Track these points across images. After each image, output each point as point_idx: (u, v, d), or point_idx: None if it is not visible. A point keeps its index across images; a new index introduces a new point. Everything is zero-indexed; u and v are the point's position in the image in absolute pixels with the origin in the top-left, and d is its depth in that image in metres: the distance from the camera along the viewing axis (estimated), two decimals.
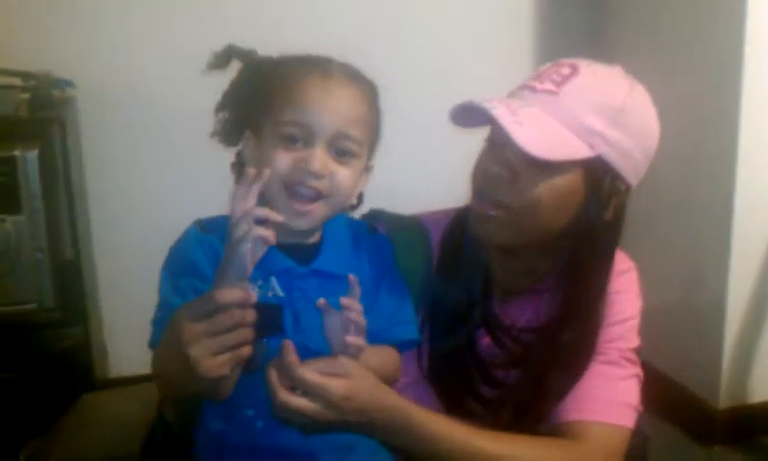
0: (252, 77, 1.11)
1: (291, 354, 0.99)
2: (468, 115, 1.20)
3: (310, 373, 0.99)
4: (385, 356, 1.15)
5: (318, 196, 1.05)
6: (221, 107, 1.13)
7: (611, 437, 1.21)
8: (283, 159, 1.03)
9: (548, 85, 1.18)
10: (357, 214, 1.33)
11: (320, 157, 1.03)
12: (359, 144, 1.07)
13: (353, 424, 1.04)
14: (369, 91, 1.10)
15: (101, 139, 2.55)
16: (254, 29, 2.18)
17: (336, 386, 1.00)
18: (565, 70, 1.20)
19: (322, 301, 1.03)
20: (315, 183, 1.04)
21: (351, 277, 1.03)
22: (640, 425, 1.28)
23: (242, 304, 0.95)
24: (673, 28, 2.57)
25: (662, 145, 1.24)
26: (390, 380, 1.17)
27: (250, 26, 2.47)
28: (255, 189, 0.95)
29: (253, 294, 0.96)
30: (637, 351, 1.31)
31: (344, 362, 1.03)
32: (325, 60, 1.09)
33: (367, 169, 1.15)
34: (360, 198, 1.18)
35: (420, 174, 2.71)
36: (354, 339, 1.02)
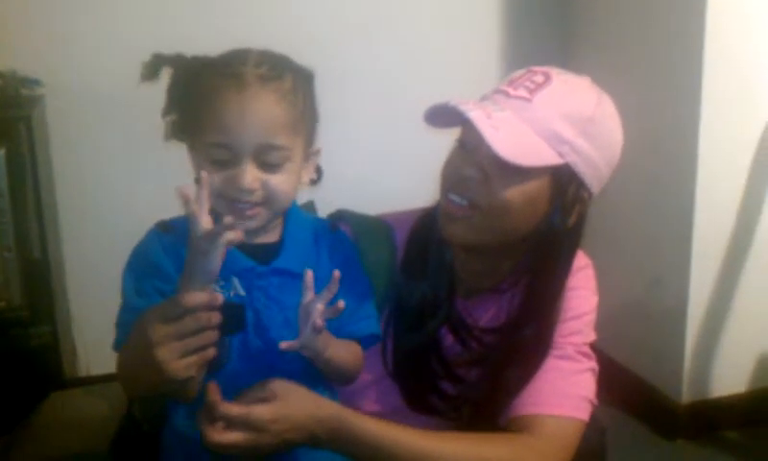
0: (182, 81, 1.10)
1: (212, 394, 1.02)
2: (442, 116, 1.22)
3: (230, 406, 1.02)
4: (349, 349, 1.16)
5: (255, 206, 1.06)
6: (166, 111, 1.12)
7: (565, 429, 1.23)
8: (215, 179, 1.03)
9: (522, 92, 1.20)
10: (323, 214, 1.36)
11: (248, 174, 1.03)
12: (287, 149, 1.06)
13: (296, 441, 1.07)
14: (291, 86, 1.08)
15: (69, 138, 2.53)
16: (225, 25, 2.21)
17: (259, 412, 1.03)
18: (539, 78, 1.22)
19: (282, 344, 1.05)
20: (248, 198, 1.04)
21: (309, 273, 1.04)
22: (598, 418, 1.30)
23: (208, 307, 0.96)
24: (635, 37, 2.61)
25: (626, 148, 1.27)
26: (353, 374, 1.20)
27: (220, 22, 2.50)
28: (205, 196, 0.96)
29: (220, 296, 0.97)
30: (593, 345, 1.34)
31: (271, 386, 1.06)
32: (242, 63, 1.06)
33: (312, 154, 1.15)
34: (319, 173, 1.18)
35: (390, 171, 2.73)
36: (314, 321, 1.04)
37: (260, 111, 1.04)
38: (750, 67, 2.34)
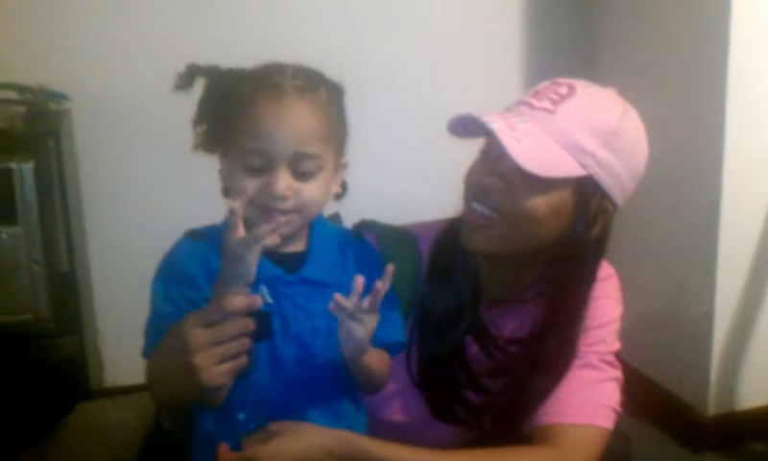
0: (217, 92, 1.12)
1: (221, 455, 1.06)
2: (465, 126, 1.23)
3: (228, 453, 1.06)
4: (378, 357, 1.17)
5: (287, 214, 1.08)
6: (197, 121, 1.14)
7: (587, 438, 1.23)
8: (248, 187, 1.06)
9: (546, 104, 1.21)
10: (348, 224, 1.37)
11: (282, 181, 1.05)
12: (320, 158, 1.09)
13: None
14: (325, 99, 1.11)
15: (96, 151, 2.56)
16: (249, 38, 2.23)
17: (254, 451, 1.05)
18: (563, 90, 1.23)
19: (331, 304, 1.06)
20: (281, 205, 1.06)
21: (360, 278, 1.05)
22: (622, 428, 1.30)
23: (248, 310, 0.98)
24: (659, 44, 2.60)
25: (651, 156, 1.28)
26: (382, 382, 1.21)
27: (243, 35, 2.52)
28: (241, 204, 0.98)
29: (260, 299, 0.99)
30: (618, 354, 1.34)
31: (270, 426, 1.08)
32: (279, 74, 1.09)
33: (340, 167, 1.17)
34: (344, 187, 1.20)
35: (414, 182, 2.74)
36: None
37: (297, 120, 1.06)
38: None
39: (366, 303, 1.05)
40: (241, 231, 0.96)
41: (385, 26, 2.81)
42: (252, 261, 0.97)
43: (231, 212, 0.96)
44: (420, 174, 2.77)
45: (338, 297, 1.05)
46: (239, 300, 0.97)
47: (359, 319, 1.07)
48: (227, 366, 0.98)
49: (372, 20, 2.79)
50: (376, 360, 1.16)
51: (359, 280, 1.05)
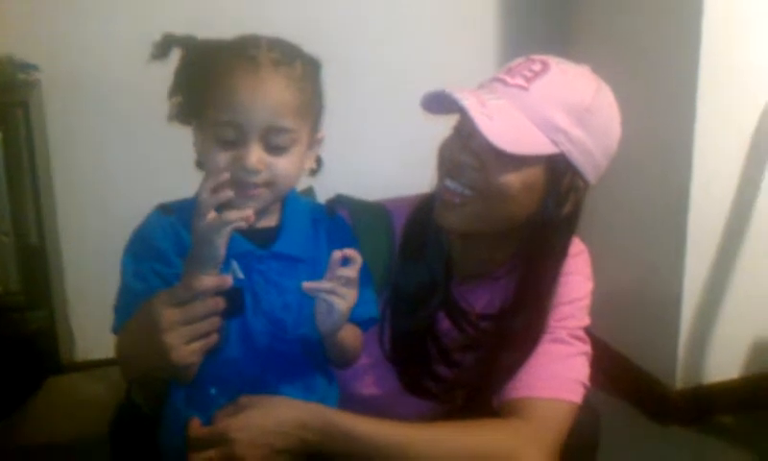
0: (192, 63, 1.11)
1: (192, 429, 1.07)
2: (439, 103, 1.23)
3: (198, 429, 1.07)
4: (352, 332, 1.18)
5: (258, 187, 1.07)
6: (172, 92, 1.13)
7: (556, 411, 1.24)
8: (221, 159, 1.04)
9: (519, 80, 1.21)
10: (322, 199, 1.36)
11: (254, 154, 1.04)
12: (294, 132, 1.07)
13: (286, 448, 1.08)
14: (301, 73, 1.09)
15: (66, 123, 2.53)
16: (230, 16, 2.20)
17: (223, 424, 1.06)
18: (536, 66, 1.22)
19: (307, 284, 1.06)
20: (253, 179, 1.05)
21: (337, 253, 1.06)
22: (591, 403, 1.31)
23: (217, 291, 0.98)
24: (632, 27, 2.61)
25: (622, 137, 1.28)
26: (354, 357, 1.21)
27: (225, 13, 2.49)
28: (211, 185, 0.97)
29: (229, 278, 0.99)
30: (587, 329, 1.35)
31: (239, 400, 1.09)
32: (255, 46, 1.07)
33: (315, 142, 1.16)
34: (319, 162, 1.19)
35: (391, 159, 2.74)
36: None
37: (271, 93, 1.05)
38: (746, 57, 2.34)
39: (346, 272, 1.06)
40: (211, 214, 0.96)
41: (365, 5, 2.79)
42: (222, 244, 0.97)
43: (200, 197, 0.96)
44: (395, 150, 2.77)
45: (308, 284, 1.06)
46: (209, 280, 0.97)
47: (340, 293, 1.07)
48: (197, 345, 0.99)
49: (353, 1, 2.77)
50: (350, 335, 1.16)
51: (336, 255, 1.05)
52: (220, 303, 0.99)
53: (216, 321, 1.00)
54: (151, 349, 0.97)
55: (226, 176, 1.00)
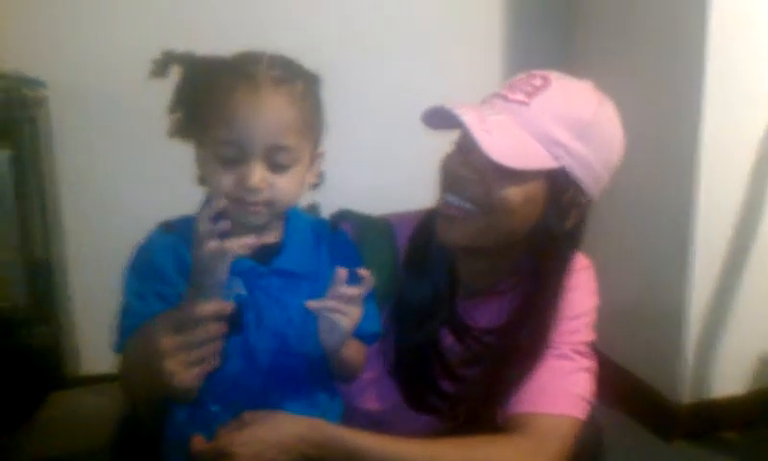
0: (192, 80, 1.11)
1: (194, 445, 1.06)
2: (440, 118, 1.23)
3: (201, 444, 1.06)
4: (355, 347, 1.18)
5: (259, 205, 1.07)
6: (172, 108, 1.13)
7: (559, 427, 1.24)
8: (223, 179, 1.05)
9: (519, 96, 1.22)
10: (326, 214, 1.37)
11: (256, 174, 1.04)
12: (295, 151, 1.08)
13: (290, 459, 1.08)
14: (302, 90, 1.09)
15: (73, 139, 2.54)
16: (229, 29, 2.22)
17: (225, 439, 1.05)
18: (537, 82, 1.23)
19: (310, 303, 1.06)
20: (255, 198, 1.05)
21: (342, 271, 1.06)
22: (595, 418, 1.31)
23: (218, 317, 0.98)
24: (637, 38, 2.62)
25: (626, 149, 1.28)
26: (357, 371, 1.22)
27: (224, 26, 2.50)
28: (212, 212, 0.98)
29: (230, 305, 1.00)
30: (591, 345, 1.35)
31: (243, 416, 1.09)
32: (255, 64, 1.08)
33: (316, 157, 1.16)
34: (321, 177, 1.19)
35: (394, 173, 2.74)
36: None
37: (272, 112, 1.05)
38: (752, 67, 2.35)
39: (351, 290, 1.06)
40: (211, 243, 0.96)
41: (365, 15, 2.79)
42: (222, 273, 0.97)
43: (199, 227, 0.96)
44: (399, 164, 2.77)
45: (312, 303, 1.06)
46: (210, 306, 0.98)
47: (344, 311, 1.07)
48: (198, 369, 0.99)
49: (352, 9, 2.78)
50: (353, 351, 1.17)
51: (341, 273, 1.06)
52: (221, 327, 0.99)
53: (218, 345, 1.00)
54: (151, 373, 0.98)
55: (224, 203, 1.00)
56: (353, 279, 1.08)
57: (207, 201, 1.04)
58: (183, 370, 0.98)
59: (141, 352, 1.01)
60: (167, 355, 0.97)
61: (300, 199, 1.16)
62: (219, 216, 0.98)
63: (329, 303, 1.06)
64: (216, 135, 1.05)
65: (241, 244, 0.97)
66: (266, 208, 1.08)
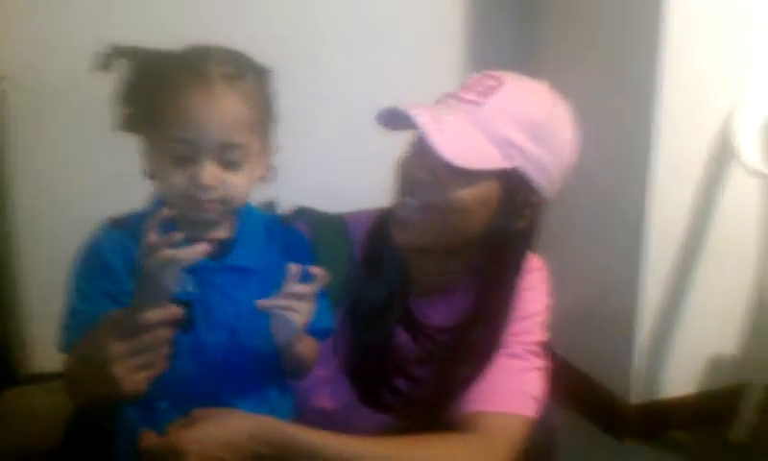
0: (142, 75, 1.09)
1: (144, 440, 1.04)
2: (394, 119, 1.23)
3: (150, 440, 1.04)
4: (306, 344, 1.18)
5: (212, 203, 1.07)
6: (117, 103, 1.11)
7: (509, 426, 1.25)
8: (175, 177, 1.04)
9: (473, 96, 1.22)
10: (285, 209, 1.37)
11: (208, 172, 1.03)
12: (247, 147, 1.07)
13: (241, 459, 1.06)
14: (253, 86, 1.09)
15: (30, 133, 2.50)
16: (190, 24, 2.20)
17: (175, 437, 1.04)
18: (491, 82, 1.24)
19: (262, 302, 1.06)
20: (208, 196, 1.05)
21: (293, 267, 1.06)
22: (547, 417, 1.32)
23: (165, 323, 0.97)
24: (592, 40, 2.65)
25: (581, 148, 1.30)
26: (310, 368, 1.22)
27: (184, 21, 2.48)
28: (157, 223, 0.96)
29: (178, 310, 0.98)
30: (544, 345, 1.36)
31: (193, 412, 1.07)
32: (206, 60, 1.06)
33: (269, 151, 1.15)
34: (272, 171, 1.18)
35: (356, 171, 2.74)
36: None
37: (224, 110, 1.04)
38: (704, 73, 2.39)
39: (303, 288, 1.06)
40: (161, 252, 0.94)
41: (329, 14, 2.79)
42: (171, 281, 0.96)
43: (147, 239, 0.94)
44: (361, 161, 2.78)
45: (262, 302, 1.05)
46: (157, 313, 0.96)
47: (296, 308, 1.07)
48: (146, 373, 0.98)
49: (316, 9, 2.77)
50: (305, 347, 1.17)
51: (293, 269, 1.06)
52: (169, 332, 0.98)
53: (165, 349, 0.99)
54: (99, 376, 0.97)
55: (172, 213, 0.99)
56: (306, 277, 1.07)
57: (155, 208, 1.03)
58: (130, 375, 0.96)
59: (88, 355, 0.99)
60: (114, 361, 0.95)
61: (248, 197, 1.15)
62: (169, 224, 0.97)
63: (281, 301, 1.06)
64: (168, 133, 1.04)
65: (191, 253, 0.95)
66: (219, 206, 1.07)
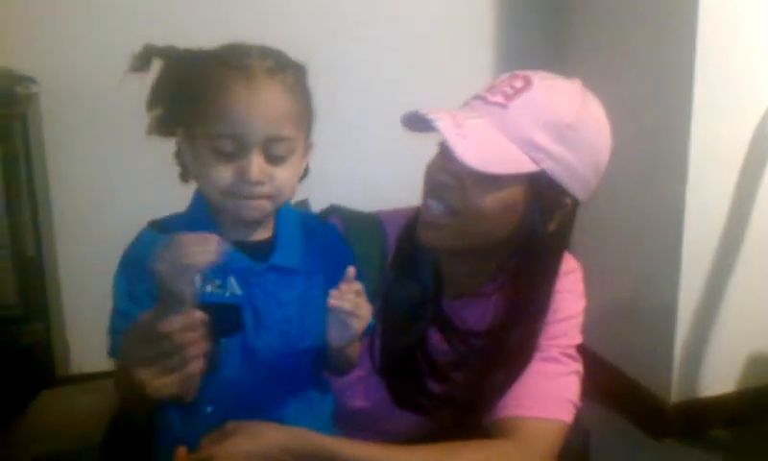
0: (175, 74, 1.09)
1: (178, 457, 1.02)
2: (419, 122, 1.22)
3: (185, 456, 1.03)
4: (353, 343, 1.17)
5: (260, 199, 1.06)
6: (151, 104, 1.11)
7: (546, 431, 1.23)
8: (221, 174, 1.03)
9: (499, 98, 1.20)
10: (316, 209, 1.37)
11: (256, 166, 1.02)
12: (292, 141, 1.06)
13: None
14: (293, 80, 1.08)
15: (64, 136, 2.54)
16: (220, 24, 2.22)
17: (209, 452, 1.03)
18: (518, 83, 1.21)
19: (334, 301, 1.06)
20: (256, 191, 1.04)
21: (350, 269, 1.07)
22: (581, 420, 1.30)
23: (188, 328, 0.95)
24: (627, 36, 2.63)
25: (616, 148, 1.27)
26: (353, 365, 1.22)
27: (214, 21, 2.50)
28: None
29: (201, 314, 0.96)
30: (581, 346, 1.34)
31: (226, 426, 1.06)
32: (246, 56, 1.06)
33: (308, 148, 1.14)
34: (306, 170, 1.17)
35: (388, 170, 2.74)
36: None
37: (269, 103, 1.04)
38: (742, 66, 2.36)
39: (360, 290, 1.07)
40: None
41: (359, 12, 2.80)
42: (186, 287, 0.92)
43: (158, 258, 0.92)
44: (393, 160, 2.77)
45: (334, 302, 1.05)
46: (172, 322, 0.93)
47: (358, 313, 1.07)
48: (172, 377, 0.96)
49: (347, 6, 2.78)
50: (353, 347, 1.17)
51: (351, 272, 1.06)
52: (194, 337, 0.95)
53: (194, 350, 0.96)
54: (128, 380, 0.96)
55: (216, 238, 0.95)
56: (342, 273, 1.07)
57: (195, 209, 1.06)
58: (154, 378, 0.95)
59: (122, 361, 0.99)
60: (136, 365, 0.95)
61: (294, 192, 1.14)
62: (210, 225, 0.98)
63: (346, 304, 1.05)
64: (211, 130, 1.03)
65: (204, 256, 0.92)
66: (267, 202, 1.07)
